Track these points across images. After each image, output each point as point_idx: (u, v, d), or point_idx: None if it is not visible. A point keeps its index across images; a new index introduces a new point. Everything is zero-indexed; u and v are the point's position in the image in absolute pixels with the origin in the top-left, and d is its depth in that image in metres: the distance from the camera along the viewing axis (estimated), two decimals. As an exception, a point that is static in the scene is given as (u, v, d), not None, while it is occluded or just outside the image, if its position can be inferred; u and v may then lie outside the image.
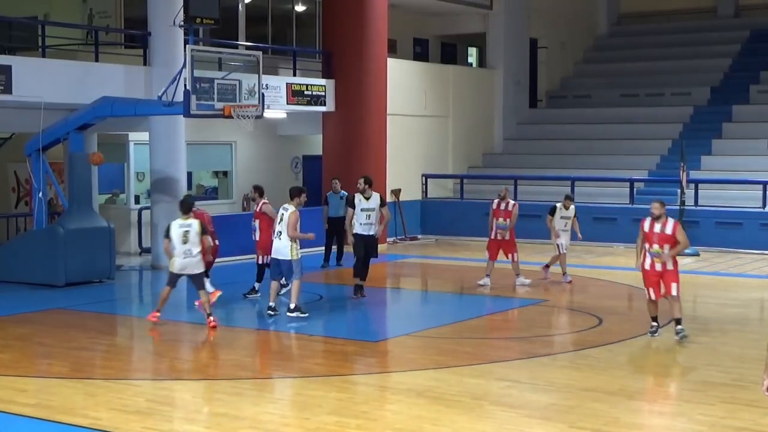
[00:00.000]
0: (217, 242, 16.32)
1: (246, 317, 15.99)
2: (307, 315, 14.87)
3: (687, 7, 35.86)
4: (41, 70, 18.63)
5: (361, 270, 16.69)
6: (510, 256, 18.11)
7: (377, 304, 18.06)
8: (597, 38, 36.25)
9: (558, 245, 18.54)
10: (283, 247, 14.79)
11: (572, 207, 18.72)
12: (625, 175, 25.98)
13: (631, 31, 35.95)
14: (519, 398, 10.40)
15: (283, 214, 14.82)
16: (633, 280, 18.73)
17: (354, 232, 16.66)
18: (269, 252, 15.45)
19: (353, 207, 16.69)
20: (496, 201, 18.23)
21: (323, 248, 20.92)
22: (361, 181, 16.86)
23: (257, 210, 16.78)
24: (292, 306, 14.84)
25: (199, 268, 14.27)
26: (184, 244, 14.07)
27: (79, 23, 24.12)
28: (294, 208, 14.83)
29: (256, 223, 16.72)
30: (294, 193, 15.03)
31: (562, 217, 18.48)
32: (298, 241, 14.80)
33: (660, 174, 26.65)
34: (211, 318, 14.09)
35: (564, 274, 18.56)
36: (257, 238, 16.67)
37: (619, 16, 37.12)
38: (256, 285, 16.87)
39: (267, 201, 16.90)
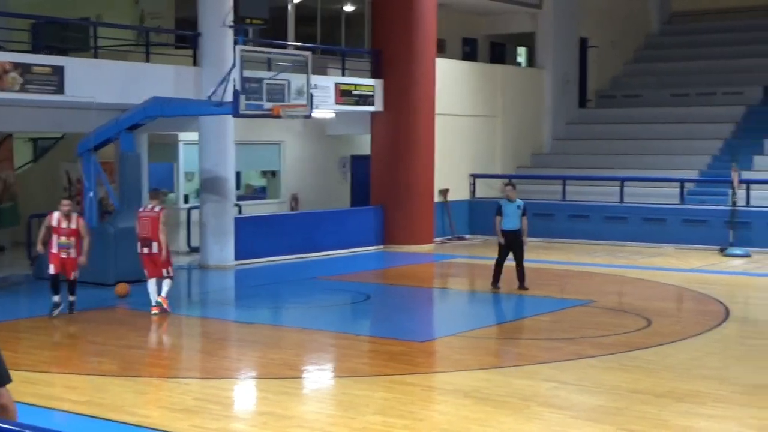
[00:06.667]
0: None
1: (293, 317, 16.07)
2: None
3: (739, 6, 35.39)
4: (93, 70, 18.81)
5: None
6: None
7: (424, 304, 18.06)
8: (648, 37, 35.94)
9: None
10: None
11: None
12: (675, 176, 25.74)
13: (683, 30, 35.61)
14: (567, 399, 10.34)
15: None
16: (683, 281, 18.58)
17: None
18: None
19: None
20: None
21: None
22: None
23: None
24: None
25: None
26: None
27: (131, 24, 24.34)
28: None
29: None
30: None
31: None
32: None
33: (711, 174, 26.34)
34: None
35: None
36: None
37: (671, 14, 36.79)
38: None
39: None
